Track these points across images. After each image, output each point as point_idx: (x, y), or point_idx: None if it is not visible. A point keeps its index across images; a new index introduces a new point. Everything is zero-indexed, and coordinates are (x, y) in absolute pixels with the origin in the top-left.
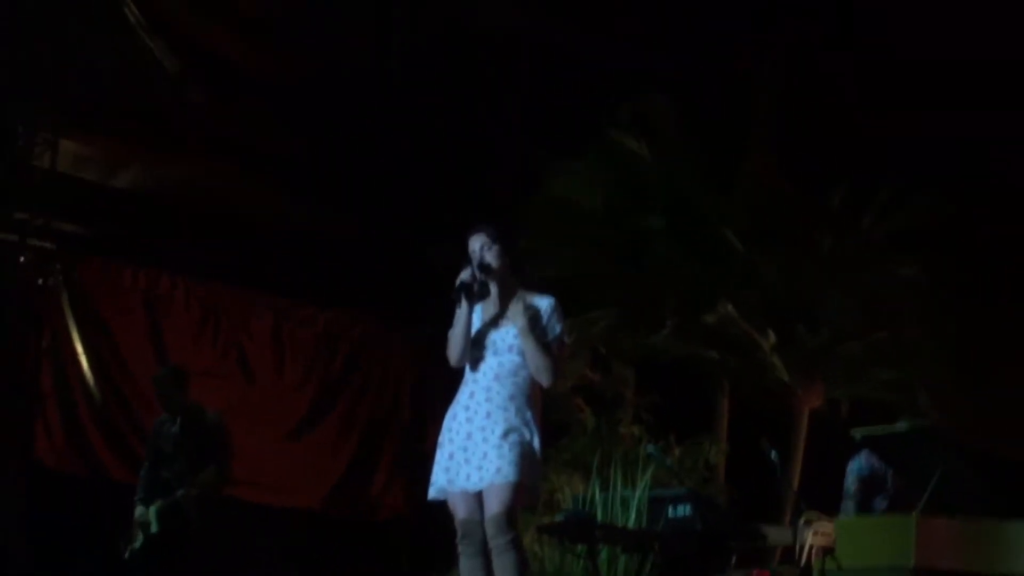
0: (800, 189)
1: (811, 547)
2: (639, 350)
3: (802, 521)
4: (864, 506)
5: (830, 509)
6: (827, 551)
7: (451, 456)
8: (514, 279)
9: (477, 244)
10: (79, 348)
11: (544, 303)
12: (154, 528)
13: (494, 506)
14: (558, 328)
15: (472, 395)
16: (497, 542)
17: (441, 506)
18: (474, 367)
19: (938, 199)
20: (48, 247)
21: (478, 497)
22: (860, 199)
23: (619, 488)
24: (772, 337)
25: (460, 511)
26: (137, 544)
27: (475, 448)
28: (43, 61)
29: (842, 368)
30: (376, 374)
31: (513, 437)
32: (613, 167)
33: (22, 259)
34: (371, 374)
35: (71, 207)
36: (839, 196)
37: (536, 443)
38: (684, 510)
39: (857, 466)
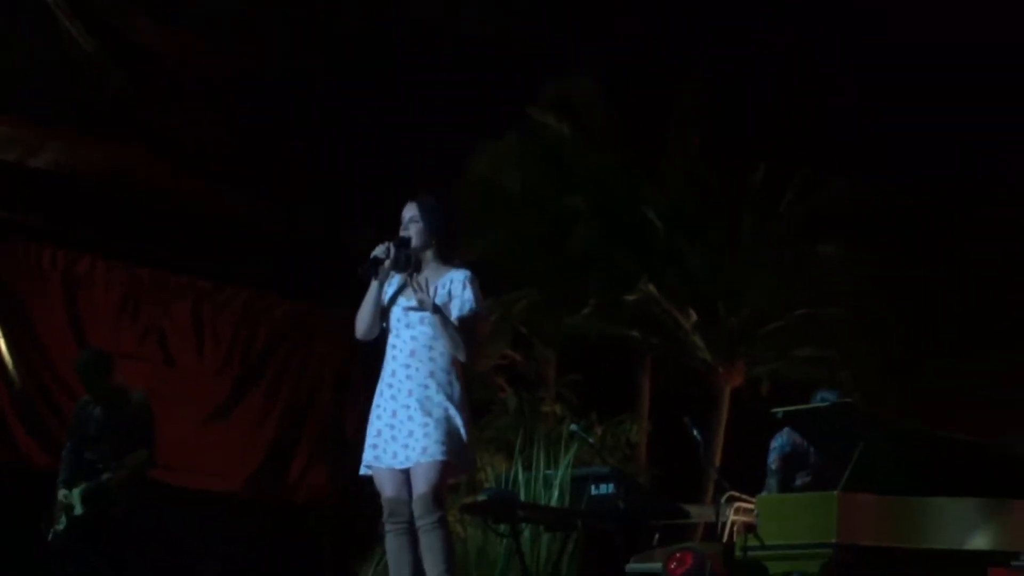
0: (721, 170)
1: (733, 524)
2: (561, 329)
3: (724, 499)
4: (786, 483)
5: (752, 487)
6: (749, 528)
7: (379, 433)
8: (435, 255)
9: (407, 215)
10: None
11: (459, 276)
12: (78, 511)
13: (421, 486)
14: (474, 301)
15: (393, 372)
16: (424, 521)
17: (363, 488)
18: (392, 342)
19: (855, 178)
20: None
21: (405, 475)
22: (779, 180)
23: (542, 467)
24: (693, 316)
25: (387, 489)
26: (60, 526)
27: (401, 426)
28: None
29: (763, 346)
30: (297, 358)
31: (437, 414)
32: (536, 148)
33: None
34: (292, 357)
35: None
36: (759, 177)
37: (460, 419)
38: (607, 488)
39: (779, 443)
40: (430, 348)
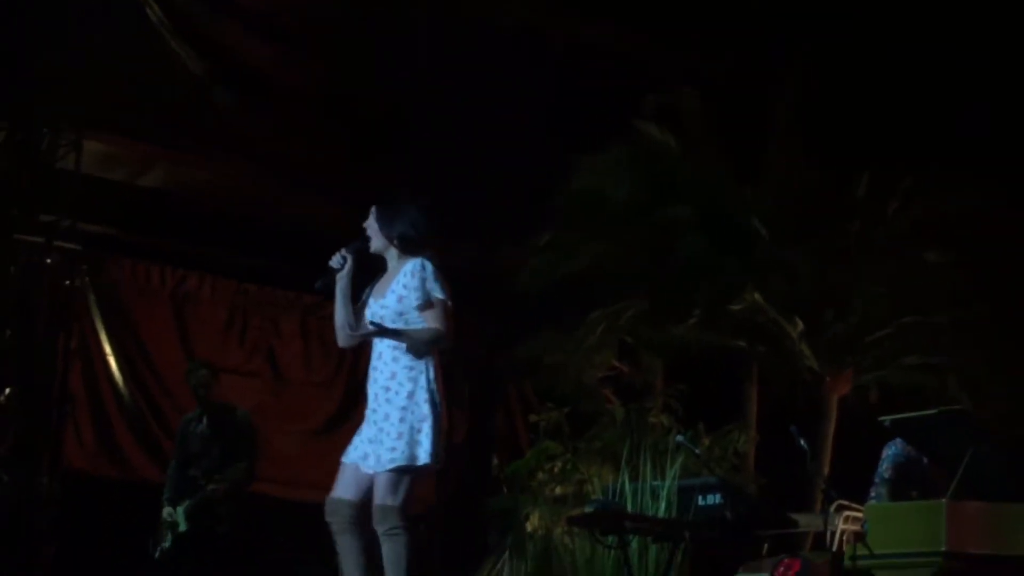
0: (826, 177)
1: (842, 533)
2: (667, 340)
3: (832, 508)
4: (897, 492)
5: (860, 496)
6: (858, 537)
7: (359, 431)
8: (398, 254)
9: (366, 223)
10: (107, 349)
11: (408, 267)
12: (183, 527)
13: (380, 494)
14: (423, 289)
15: (370, 375)
16: (382, 528)
17: (470, 501)
18: (373, 344)
19: (962, 184)
20: (74, 248)
21: (362, 476)
22: (885, 186)
23: (648, 478)
24: (800, 325)
25: (336, 487)
26: (166, 544)
27: (369, 429)
28: (66, 62)
29: (871, 355)
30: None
31: (394, 419)
32: (640, 159)
33: (49, 261)
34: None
35: (97, 208)
36: (864, 183)
37: (420, 414)
38: (714, 499)
39: (893, 451)
40: (394, 348)
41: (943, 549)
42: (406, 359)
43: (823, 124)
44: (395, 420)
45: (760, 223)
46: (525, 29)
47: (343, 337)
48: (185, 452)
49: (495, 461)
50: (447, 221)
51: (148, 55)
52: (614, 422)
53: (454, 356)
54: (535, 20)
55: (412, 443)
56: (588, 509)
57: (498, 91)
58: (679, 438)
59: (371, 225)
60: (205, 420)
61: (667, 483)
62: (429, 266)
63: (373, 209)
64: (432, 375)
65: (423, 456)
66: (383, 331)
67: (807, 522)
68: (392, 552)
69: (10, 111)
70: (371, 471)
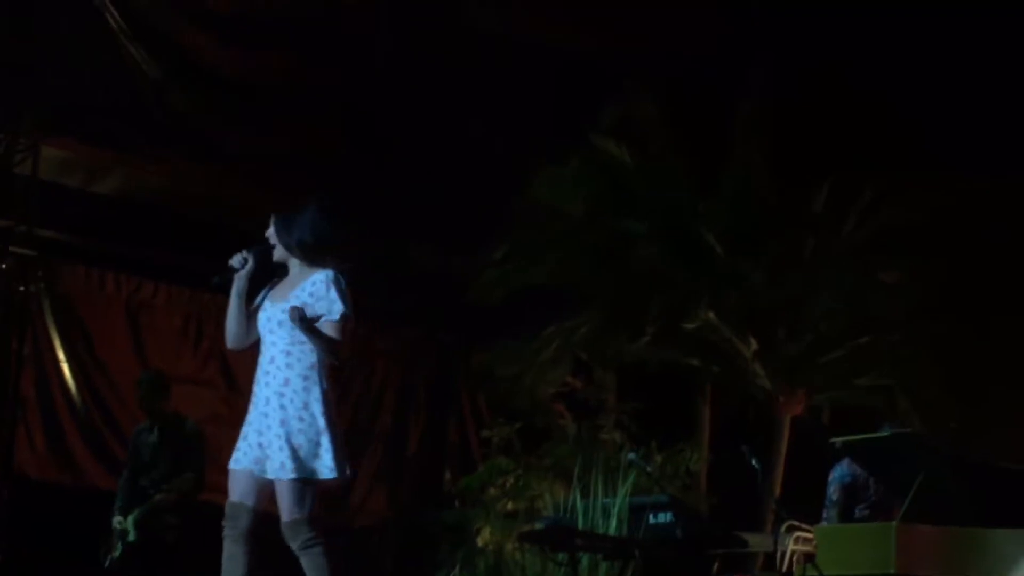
0: (783, 190)
1: (792, 554)
2: (621, 356)
3: (783, 528)
4: (846, 514)
5: (812, 516)
6: (808, 558)
7: (244, 436)
8: (300, 262)
9: (268, 231)
10: (61, 355)
11: (321, 277)
12: (132, 536)
13: (285, 511)
14: (340, 301)
15: (257, 380)
16: (296, 543)
17: (422, 513)
18: (261, 349)
19: (919, 199)
20: (29, 254)
21: (260, 483)
22: (842, 201)
23: (600, 495)
24: (753, 344)
25: (235, 492)
26: (116, 553)
27: (263, 434)
28: (23, 66)
29: (824, 374)
30: (357, 380)
31: (288, 427)
32: (596, 171)
33: (3, 266)
34: (352, 380)
35: (53, 213)
36: (821, 198)
37: (318, 427)
38: (665, 517)
39: (839, 474)
40: (287, 354)
41: (892, 572)
42: (300, 367)
43: (781, 137)
44: (292, 429)
45: (715, 237)
46: (489, 35)
47: (232, 337)
48: (136, 462)
49: (447, 475)
50: (403, 222)
51: (105, 59)
52: (566, 438)
53: (409, 366)
54: (498, 26)
55: (312, 456)
56: (539, 525)
57: (459, 97)
58: (631, 455)
59: (271, 233)
60: (156, 431)
61: (618, 500)
62: (342, 280)
63: (272, 216)
64: (326, 386)
65: (325, 471)
66: (303, 319)
67: (758, 542)
68: (313, 564)
69: None
70: (272, 477)
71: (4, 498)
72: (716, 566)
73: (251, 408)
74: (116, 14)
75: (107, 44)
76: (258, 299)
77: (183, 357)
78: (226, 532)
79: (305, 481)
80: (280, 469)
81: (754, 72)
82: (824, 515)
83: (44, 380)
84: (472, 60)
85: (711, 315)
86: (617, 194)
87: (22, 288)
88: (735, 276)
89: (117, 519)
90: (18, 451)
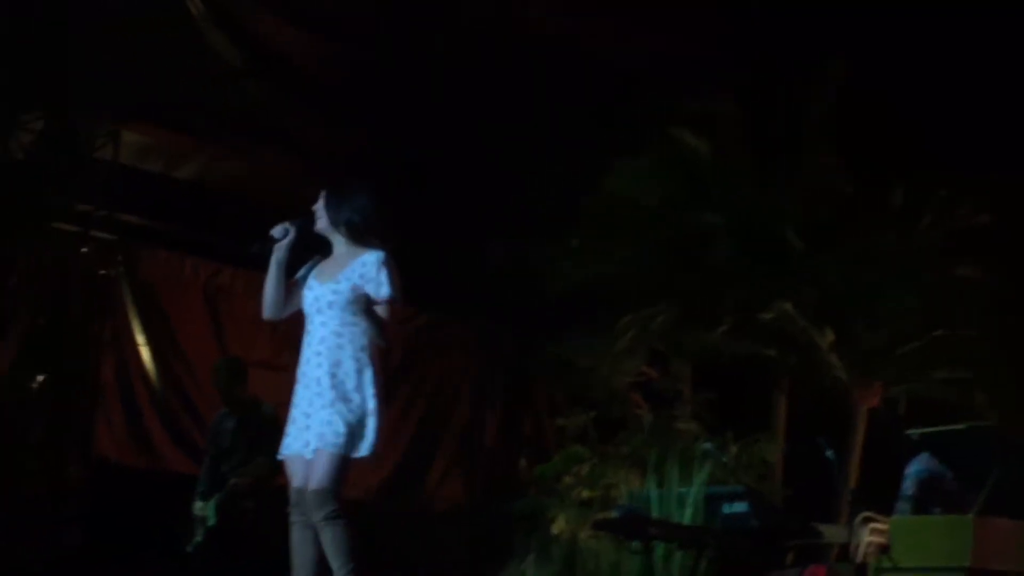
0: (860, 186)
1: (867, 545)
2: (697, 347)
3: (858, 519)
4: (920, 510)
5: (887, 507)
6: (883, 550)
7: (293, 421)
8: (346, 240)
9: (316, 204)
10: (140, 340)
11: (371, 258)
12: (212, 521)
13: (314, 479)
14: (388, 284)
15: (307, 360)
16: (318, 516)
17: (496, 501)
18: (307, 328)
19: (997, 195)
20: (110, 238)
21: (311, 465)
22: (920, 197)
23: (675, 485)
24: (830, 335)
25: (295, 478)
26: (199, 538)
27: (313, 414)
28: (105, 52)
29: (900, 367)
30: (435, 369)
31: (339, 406)
32: (671, 164)
33: (84, 250)
34: (429, 370)
35: (133, 198)
36: (900, 194)
37: (368, 409)
38: (740, 507)
39: (916, 469)
40: (338, 335)
41: (967, 565)
42: (351, 348)
43: (858, 132)
44: (342, 409)
45: (792, 231)
46: (563, 30)
47: (269, 306)
48: (217, 448)
49: (522, 463)
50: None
51: (186, 46)
52: (642, 428)
53: (486, 357)
54: (573, 24)
55: (357, 435)
56: (614, 514)
57: (533, 91)
58: (707, 446)
59: (320, 208)
60: (234, 416)
61: (693, 490)
62: (391, 263)
63: (323, 192)
64: (376, 368)
65: (365, 449)
66: (362, 302)
67: (832, 533)
68: (334, 537)
69: (48, 101)
70: (316, 448)
71: (84, 481)
72: (790, 557)
73: (298, 390)
74: (198, 1)
75: (188, 31)
76: (300, 273)
77: (260, 342)
78: (293, 518)
79: (346, 457)
80: (323, 440)
81: (830, 65)
82: (897, 508)
83: (123, 365)
84: (547, 53)
85: (788, 306)
86: (693, 187)
87: (102, 272)
88: (812, 270)
89: (198, 505)
90: (98, 435)
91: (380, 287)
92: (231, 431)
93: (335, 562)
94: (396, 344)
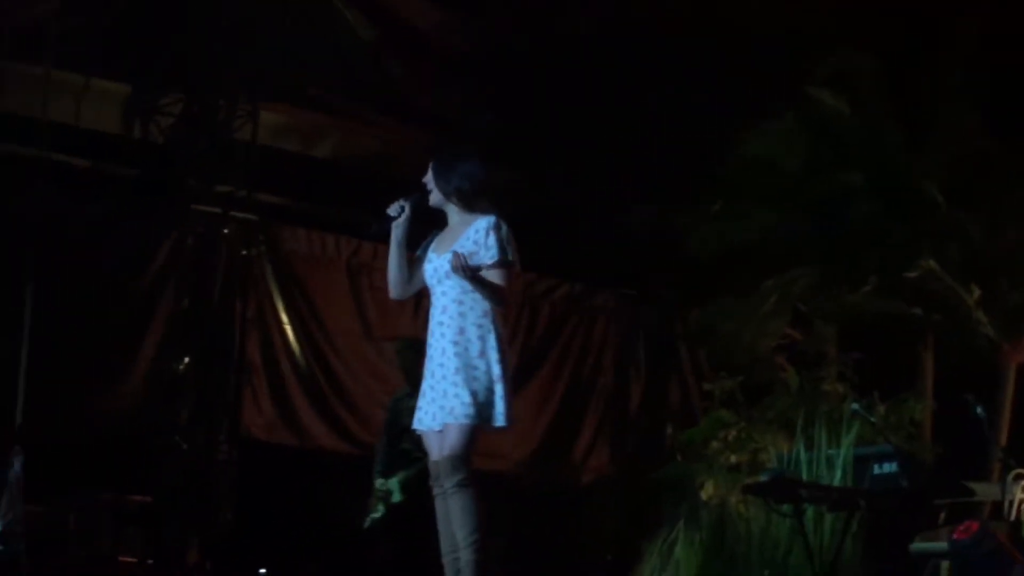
0: (1002, 142)
1: (1020, 502)
2: (841, 308)
3: (1010, 476)
4: None
5: None
6: None
7: (423, 394)
8: (458, 208)
9: (426, 177)
10: (284, 318)
11: (483, 223)
12: (397, 498)
13: (444, 448)
14: (497, 248)
15: (431, 332)
16: (447, 484)
17: (643, 469)
18: (432, 300)
19: None
20: (251, 218)
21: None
22: None
23: (824, 447)
24: (976, 292)
25: (431, 452)
26: (377, 514)
27: (437, 386)
28: (241, 34)
29: None
30: (578, 339)
31: (465, 375)
32: (811, 125)
33: (226, 231)
34: (573, 339)
35: (272, 178)
36: None
37: (493, 374)
38: (890, 468)
39: None
40: (459, 303)
41: None
42: (473, 315)
43: (998, 86)
44: (468, 376)
45: (935, 188)
46: None
47: (395, 286)
48: (396, 427)
49: (669, 430)
50: (619, 183)
51: (320, 24)
52: (788, 391)
53: (629, 323)
54: None
55: (487, 404)
56: (763, 478)
57: (671, 54)
58: (854, 406)
59: (429, 180)
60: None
61: (842, 452)
62: (504, 227)
63: (431, 163)
64: (500, 332)
65: (499, 419)
66: (464, 267)
67: (984, 491)
68: (463, 506)
69: (187, 83)
70: (446, 421)
71: (233, 460)
72: (942, 516)
73: (428, 362)
74: None
75: (322, 9)
76: (421, 249)
77: (402, 318)
78: (435, 491)
79: (476, 427)
80: (452, 414)
81: (969, 19)
82: None
83: (268, 343)
84: (683, 21)
85: (933, 264)
86: (833, 147)
87: (244, 252)
88: (956, 227)
89: (379, 481)
90: (244, 413)
91: (490, 250)
92: (413, 410)
93: (461, 531)
94: (516, 306)
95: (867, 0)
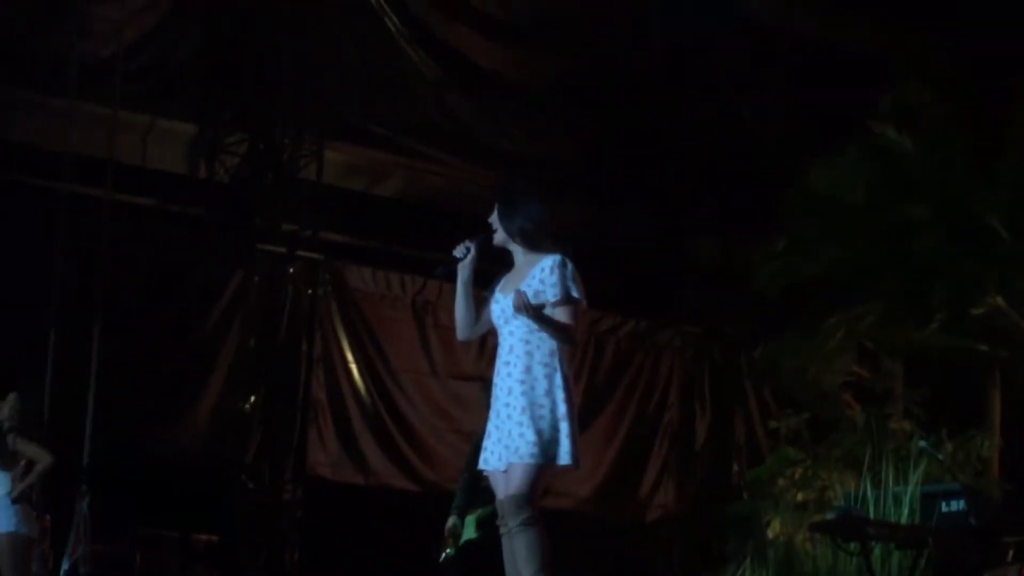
0: None
1: None
2: (907, 344)
3: None
4: None
5: None
6: None
7: (488, 435)
8: (523, 248)
9: (490, 219)
10: (349, 356)
11: (547, 262)
12: (471, 535)
13: (510, 487)
14: (559, 287)
15: (497, 371)
16: (508, 524)
17: (709, 506)
18: (499, 340)
19: None
20: (316, 257)
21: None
22: None
23: (891, 484)
24: None
25: (497, 491)
26: (451, 551)
27: (503, 426)
28: (306, 74)
29: None
30: (643, 376)
31: (531, 414)
32: (874, 159)
33: (291, 270)
34: (639, 376)
35: (337, 217)
36: None
37: (559, 413)
38: (958, 505)
39: None
40: (526, 342)
41: None
42: (540, 354)
43: None
44: (534, 415)
45: (999, 222)
46: (764, 28)
47: (462, 327)
48: (476, 464)
49: (735, 467)
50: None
51: (384, 63)
52: (854, 428)
53: (694, 360)
54: (775, 20)
55: (552, 442)
56: (830, 515)
57: (734, 91)
58: (921, 443)
59: (494, 219)
60: None
61: (910, 489)
62: (570, 264)
63: (496, 204)
64: (566, 371)
65: (564, 457)
66: (527, 306)
67: None
68: (528, 544)
69: (252, 122)
70: (512, 461)
71: (298, 498)
72: (1011, 553)
73: (493, 402)
74: (395, 18)
75: (387, 48)
76: (488, 291)
77: (468, 356)
78: (501, 531)
79: (541, 466)
80: (518, 453)
81: None
82: None
83: (334, 382)
84: (747, 54)
85: (999, 300)
86: (896, 181)
87: (310, 291)
88: (1020, 262)
89: (452, 520)
90: (310, 452)
91: (555, 288)
92: None
93: (527, 570)
94: (581, 344)
95: (931, 32)
